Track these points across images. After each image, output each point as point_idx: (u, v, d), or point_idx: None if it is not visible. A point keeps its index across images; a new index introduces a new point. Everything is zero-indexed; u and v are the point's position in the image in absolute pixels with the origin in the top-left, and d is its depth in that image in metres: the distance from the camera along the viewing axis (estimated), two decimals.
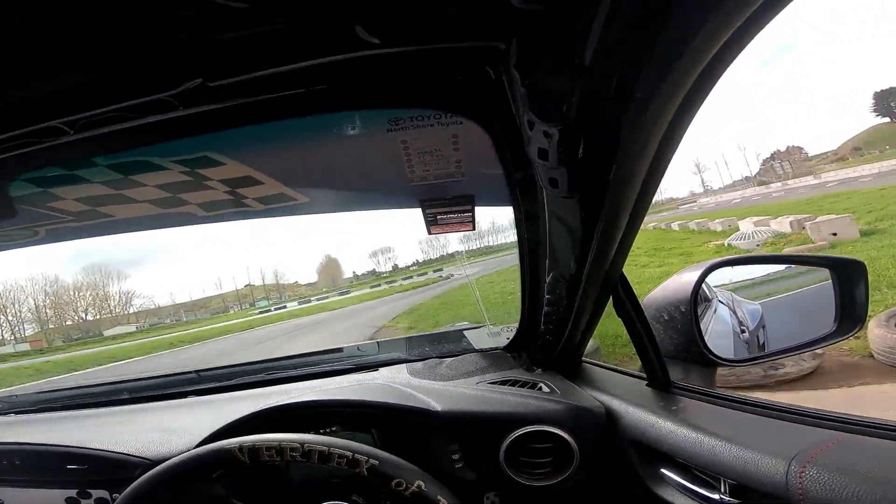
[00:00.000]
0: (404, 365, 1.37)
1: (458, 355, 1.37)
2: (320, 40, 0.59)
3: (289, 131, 0.78)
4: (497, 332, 1.32)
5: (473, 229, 0.94)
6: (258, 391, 1.36)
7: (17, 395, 1.43)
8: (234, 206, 0.93)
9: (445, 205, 0.90)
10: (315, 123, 0.77)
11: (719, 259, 0.94)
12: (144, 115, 0.71)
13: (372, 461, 0.81)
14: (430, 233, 0.97)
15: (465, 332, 1.43)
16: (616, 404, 0.98)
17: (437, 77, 0.68)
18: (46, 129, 0.72)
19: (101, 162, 0.81)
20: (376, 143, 0.79)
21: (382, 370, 1.37)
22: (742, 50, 0.48)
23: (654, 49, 0.44)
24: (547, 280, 0.95)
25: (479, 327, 1.45)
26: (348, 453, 0.81)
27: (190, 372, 1.47)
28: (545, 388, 1.10)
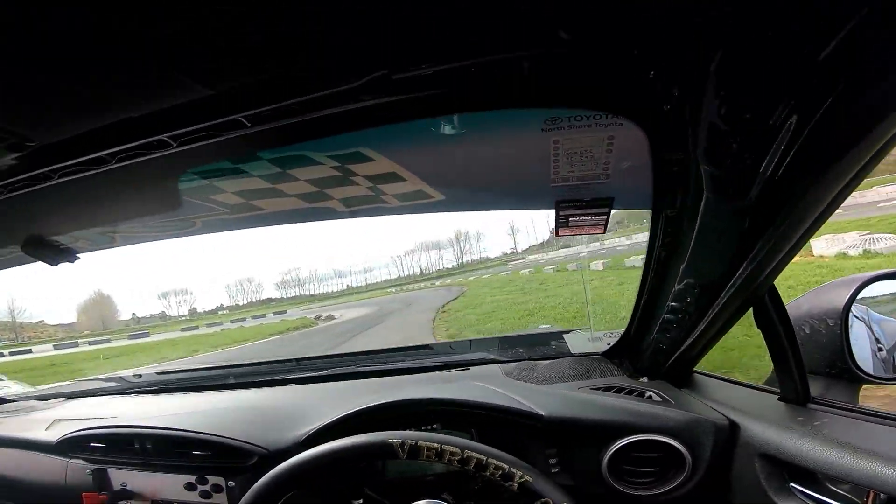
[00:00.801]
0: (497, 365, 1.38)
1: (554, 358, 1.37)
2: (515, 35, 0.61)
3: (445, 127, 0.81)
4: (599, 338, 1.31)
5: (604, 232, 0.94)
6: (353, 383, 1.40)
7: (140, 375, 1.54)
8: (373, 202, 0.97)
9: (582, 206, 0.91)
10: (467, 120, 0.79)
11: (878, 272, 0.89)
12: (319, 109, 0.74)
13: (526, 477, 0.82)
14: (557, 234, 0.98)
15: (563, 336, 1.42)
16: (742, 417, 0.96)
17: (613, 78, 0.68)
18: (228, 122, 0.77)
19: (264, 156, 0.86)
20: (527, 142, 0.81)
21: (474, 369, 1.39)
22: None
23: None
24: (677, 286, 0.94)
25: (575, 331, 1.44)
26: (505, 466, 0.82)
27: (290, 360, 1.54)
28: (655, 397, 1.09)
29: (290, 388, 1.44)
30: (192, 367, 1.60)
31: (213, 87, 0.69)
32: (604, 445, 1.02)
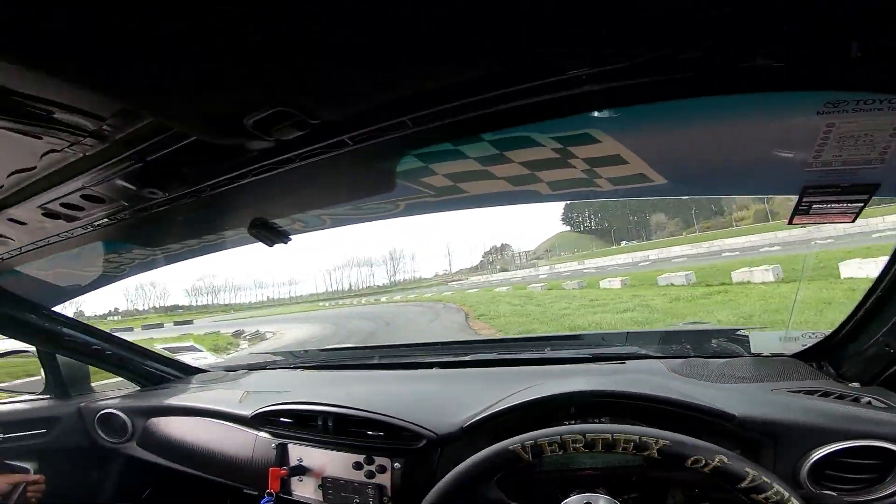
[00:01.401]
0: (659, 361, 1.33)
1: (728, 357, 1.30)
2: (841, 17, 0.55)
3: (691, 109, 0.76)
4: (794, 337, 1.22)
5: (853, 222, 0.86)
6: (501, 370, 1.42)
7: (306, 351, 1.66)
8: (583, 185, 0.95)
9: (836, 193, 0.83)
10: (722, 101, 0.74)
11: None
12: (569, 88, 0.71)
13: (662, 441, 0.79)
14: (790, 222, 0.91)
15: (743, 333, 1.34)
16: None
17: None
18: (465, 105, 0.76)
19: (486, 137, 0.86)
20: (792, 124, 0.76)
21: (630, 363, 1.34)
22: None
23: None
24: None
25: (756, 328, 1.35)
26: (634, 437, 0.79)
27: (436, 343, 1.59)
28: (877, 403, 1.00)
29: (436, 371, 1.48)
30: (348, 345, 1.70)
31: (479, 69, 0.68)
32: (807, 450, 0.97)
